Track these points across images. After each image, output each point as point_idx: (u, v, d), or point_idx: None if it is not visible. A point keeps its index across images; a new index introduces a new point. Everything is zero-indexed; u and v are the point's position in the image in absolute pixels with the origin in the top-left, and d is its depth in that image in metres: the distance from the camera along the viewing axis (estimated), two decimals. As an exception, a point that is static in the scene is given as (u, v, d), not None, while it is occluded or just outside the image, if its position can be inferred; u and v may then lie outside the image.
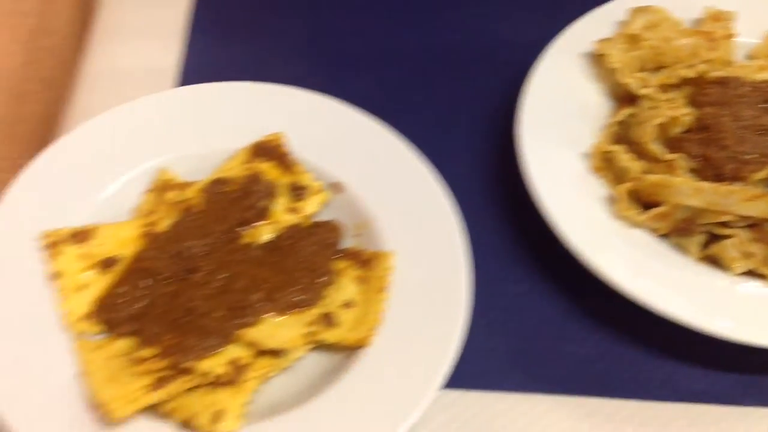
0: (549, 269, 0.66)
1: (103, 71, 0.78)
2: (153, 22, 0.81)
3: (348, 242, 0.65)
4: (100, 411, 0.55)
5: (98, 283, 0.62)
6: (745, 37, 0.72)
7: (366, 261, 0.63)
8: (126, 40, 0.79)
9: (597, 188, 0.64)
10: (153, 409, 0.57)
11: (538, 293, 0.65)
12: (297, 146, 0.68)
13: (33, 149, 0.82)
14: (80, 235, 0.63)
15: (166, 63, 0.78)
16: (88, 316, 0.60)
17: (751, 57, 0.71)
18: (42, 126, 0.84)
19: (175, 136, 0.68)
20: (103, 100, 0.73)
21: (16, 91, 0.80)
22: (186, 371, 0.57)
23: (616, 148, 0.65)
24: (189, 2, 0.81)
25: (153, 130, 0.68)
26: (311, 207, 0.66)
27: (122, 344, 0.60)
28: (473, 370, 0.61)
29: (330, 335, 0.60)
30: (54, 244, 0.62)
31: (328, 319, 0.60)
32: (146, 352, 0.58)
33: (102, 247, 0.63)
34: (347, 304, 0.61)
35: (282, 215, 0.66)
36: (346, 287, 0.62)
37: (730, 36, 0.70)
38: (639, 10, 0.71)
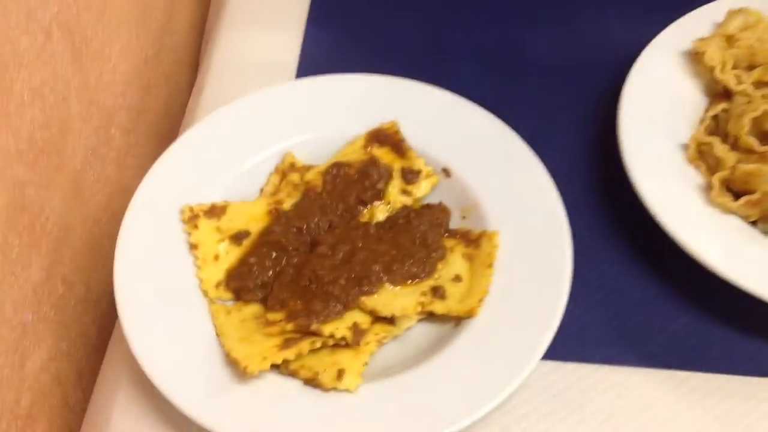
0: (643, 251, 0.70)
1: (226, 64, 0.84)
2: (274, 17, 0.87)
3: (455, 223, 0.70)
4: (235, 367, 0.60)
5: (231, 254, 0.68)
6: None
7: (474, 240, 0.67)
8: (248, 35, 0.86)
9: (692, 177, 0.68)
10: (281, 367, 0.62)
11: (633, 273, 0.69)
12: (410, 133, 0.73)
13: (155, 138, 0.88)
14: (215, 211, 0.69)
15: (286, 56, 0.83)
16: (222, 283, 0.66)
17: None
18: (164, 117, 0.91)
19: (297, 123, 0.74)
20: (227, 91, 0.80)
21: (142, 83, 0.86)
22: (312, 333, 0.62)
23: (712, 139, 0.68)
24: (308, 4, 0.87)
25: (278, 118, 0.74)
26: (422, 190, 0.71)
27: (252, 309, 0.65)
28: (570, 343, 0.65)
29: (440, 306, 0.64)
30: (193, 217, 0.68)
31: (438, 292, 0.65)
32: (274, 316, 0.64)
33: (234, 222, 0.69)
34: (456, 279, 0.66)
35: (396, 196, 0.71)
36: (455, 263, 0.67)
37: (824, 36, 0.73)
38: (735, 12, 0.75)
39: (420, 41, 0.85)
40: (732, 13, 0.75)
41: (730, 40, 0.73)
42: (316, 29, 0.85)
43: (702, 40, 0.74)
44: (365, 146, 0.73)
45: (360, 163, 0.71)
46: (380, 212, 0.70)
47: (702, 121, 0.71)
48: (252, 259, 0.67)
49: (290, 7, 0.87)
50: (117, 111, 0.81)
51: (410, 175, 0.72)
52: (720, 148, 0.67)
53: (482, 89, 0.76)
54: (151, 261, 0.66)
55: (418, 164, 0.72)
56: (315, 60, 0.83)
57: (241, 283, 0.66)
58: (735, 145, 0.68)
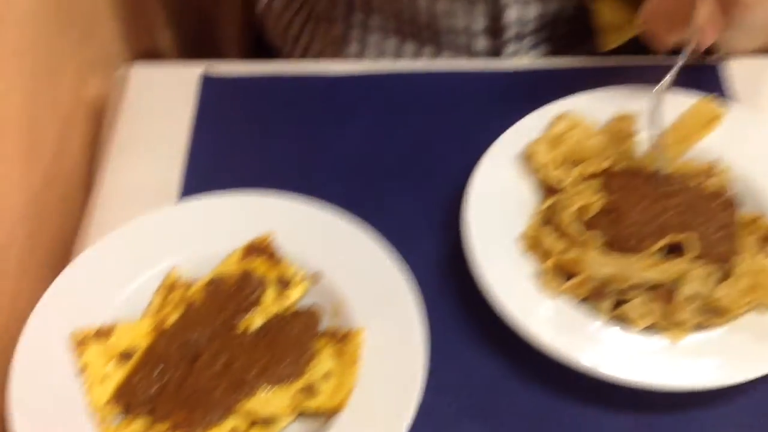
0: (492, 337, 0.76)
1: (115, 189, 0.89)
2: (158, 143, 0.93)
3: (327, 322, 0.76)
4: (125, 483, 0.66)
5: (118, 373, 0.72)
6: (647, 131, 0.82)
7: (341, 338, 0.73)
8: (134, 159, 0.91)
9: (529, 265, 0.76)
10: (167, 476, 0.67)
11: (484, 357, 0.75)
12: (284, 243, 0.79)
13: (51, 263, 0.90)
14: (102, 333, 0.73)
15: (169, 177, 0.89)
16: (111, 401, 0.71)
17: (653, 149, 0.81)
18: (59, 241, 0.93)
19: (180, 243, 0.80)
20: (116, 215, 0.85)
21: (36, 213, 0.89)
22: (194, 442, 0.68)
23: (541, 231, 0.76)
24: (189, 128, 0.94)
25: (162, 239, 0.80)
26: (295, 295, 0.77)
27: (139, 423, 0.70)
28: (428, 426, 0.70)
29: (312, 403, 0.70)
30: (81, 342, 0.72)
31: (310, 390, 0.71)
32: (160, 427, 0.69)
33: (120, 342, 0.73)
34: (326, 376, 0.71)
35: (271, 304, 0.76)
36: (325, 361, 0.72)
37: (633, 134, 0.82)
38: (560, 117, 0.83)
39: (290, 157, 0.91)
40: (557, 118, 0.83)
41: (556, 141, 0.81)
42: (196, 153, 0.91)
43: (532, 143, 0.82)
44: (242, 259, 0.79)
45: (236, 276, 0.78)
46: (257, 320, 0.76)
47: (536, 214, 0.79)
48: (138, 376, 0.72)
49: (173, 133, 0.93)
50: (11, 244, 0.84)
51: (284, 283, 0.78)
52: (548, 240, 0.75)
53: (348, 196, 0.83)
54: (43, 386, 0.70)
55: (291, 271, 0.78)
56: (196, 180, 0.89)
57: (128, 400, 0.71)
58: (564, 234, 0.76)
